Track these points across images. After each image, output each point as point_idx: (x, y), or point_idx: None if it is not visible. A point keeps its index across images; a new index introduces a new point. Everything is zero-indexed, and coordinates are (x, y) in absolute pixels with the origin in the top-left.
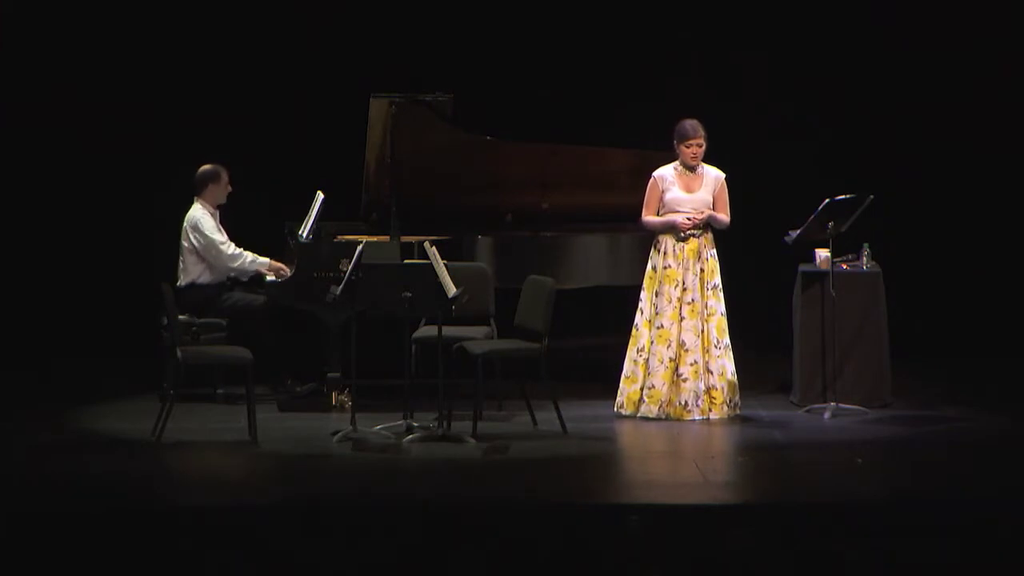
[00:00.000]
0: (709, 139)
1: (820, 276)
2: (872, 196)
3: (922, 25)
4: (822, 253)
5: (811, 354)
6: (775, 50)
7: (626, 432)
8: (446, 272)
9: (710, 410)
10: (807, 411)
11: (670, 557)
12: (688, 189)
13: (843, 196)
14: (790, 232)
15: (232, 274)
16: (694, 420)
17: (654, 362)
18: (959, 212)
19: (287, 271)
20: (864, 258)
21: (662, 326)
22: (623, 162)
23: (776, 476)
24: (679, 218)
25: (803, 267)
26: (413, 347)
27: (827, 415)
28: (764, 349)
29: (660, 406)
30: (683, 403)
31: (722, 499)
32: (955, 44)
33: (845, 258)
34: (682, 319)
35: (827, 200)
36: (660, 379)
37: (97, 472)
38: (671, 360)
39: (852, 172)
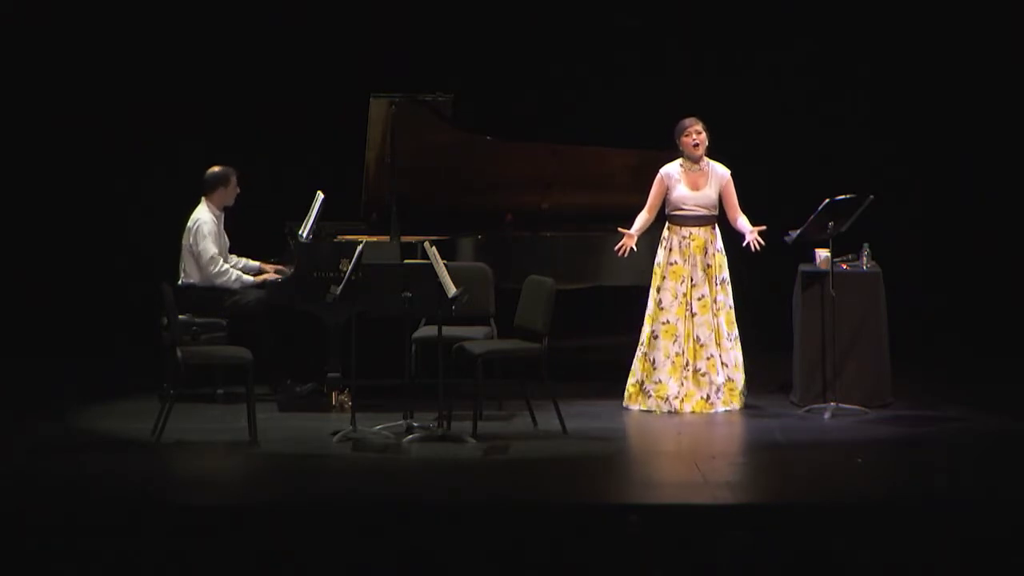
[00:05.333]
0: (713, 139)
1: (820, 276)
2: (872, 196)
3: (923, 25)
4: (822, 253)
5: (811, 354)
6: (775, 49)
7: (627, 432)
8: (446, 272)
9: (731, 401)
10: (807, 411)
11: (670, 557)
12: (694, 186)
13: (843, 196)
14: (790, 232)
15: (217, 284)
16: (717, 412)
17: (660, 357)
18: (959, 212)
19: (276, 276)
20: (864, 258)
21: (668, 321)
22: (623, 162)
23: (776, 476)
24: (750, 238)
25: (803, 267)
26: (413, 347)
27: (827, 415)
28: (764, 349)
29: (667, 400)
30: (705, 397)
31: (722, 499)
32: (956, 44)
33: (845, 258)
34: (694, 315)
35: (827, 200)
36: (667, 374)
37: (97, 472)
38: (678, 355)
39: (852, 172)
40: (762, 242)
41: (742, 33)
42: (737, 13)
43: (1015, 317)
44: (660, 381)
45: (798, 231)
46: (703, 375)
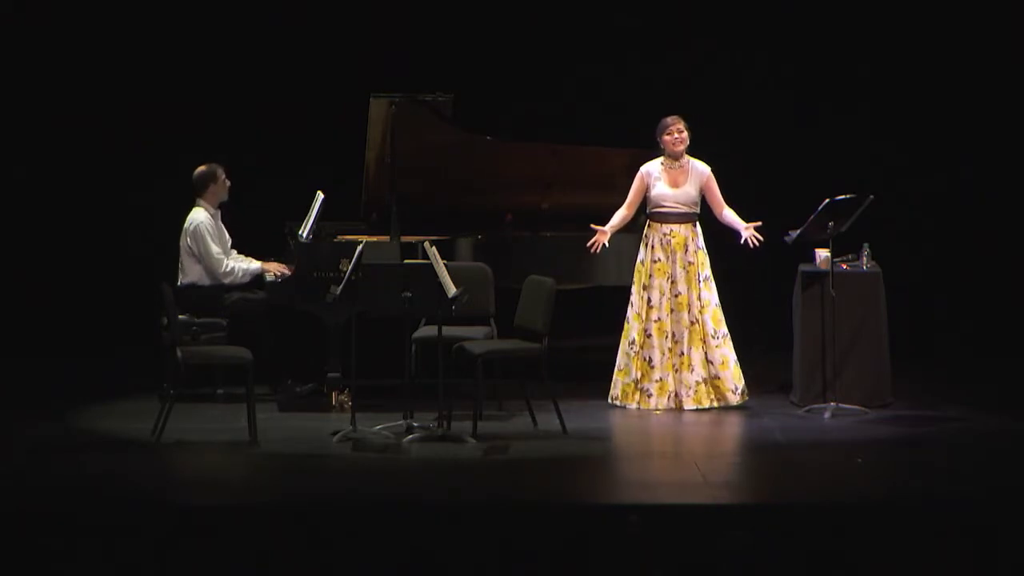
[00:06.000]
0: (713, 139)
1: (820, 276)
2: (872, 196)
3: (924, 24)
4: (822, 253)
5: (811, 354)
6: (777, 49)
7: (626, 432)
8: (446, 272)
9: (717, 400)
10: (807, 411)
11: (670, 557)
12: (674, 184)
13: (843, 196)
14: (790, 232)
15: (226, 283)
16: (687, 410)
17: (656, 355)
18: (959, 212)
19: (285, 269)
20: (864, 258)
21: (659, 319)
22: (622, 162)
23: (776, 476)
24: (747, 235)
25: (803, 267)
26: (413, 347)
27: (827, 415)
28: (764, 349)
29: (668, 397)
30: (675, 394)
31: (722, 499)
32: (956, 44)
33: (845, 258)
34: (672, 311)
35: (827, 200)
36: (665, 371)
37: (97, 472)
38: (669, 351)
39: (852, 172)
40: (760, 238)
41: (742, 33)
42: (737, 13)
43: (1015, 317)
44: (661, 379)
45: (798, 231)
46: (677, 372)
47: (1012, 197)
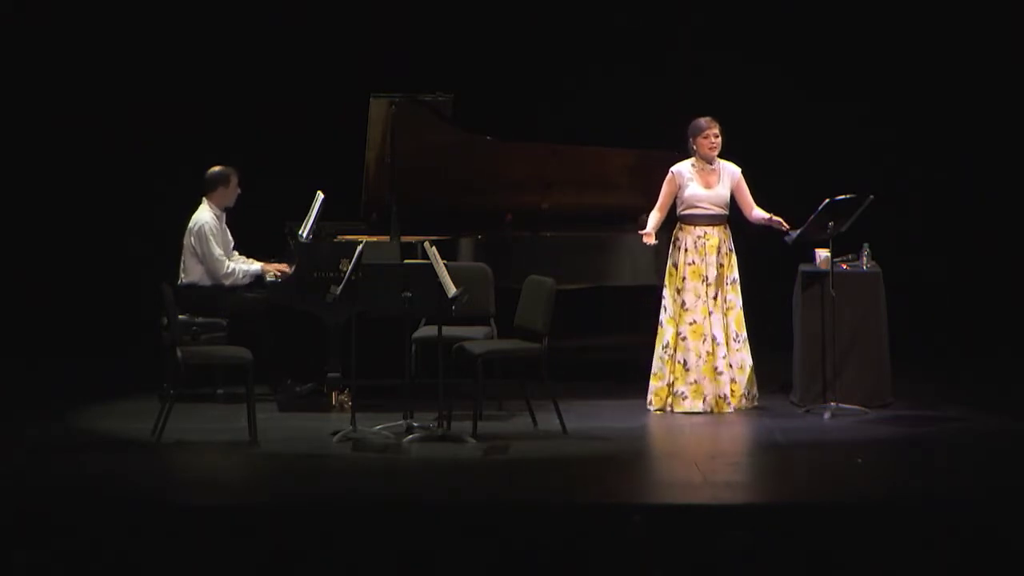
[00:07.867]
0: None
1: (820, 276)
2: (872, 196)
3: (924, 24)
4: (822, 253)
5: (811, 354)
6: (777, 49)
7: (626, 432)
8: (446, 272)
9: (730, 403)
10: (807, 411)
11: (670, 557)
12: (707, 185)
13: (843, 196)
14: (790, 232)
15: (227, 284)
16: (730, 411)
17: (692, 358)
18: (959, 212)
19: (285, 269)
20: (864, 258)
21: (695, 322)
22: (623, 162)
23: (776, 476)
24: (775, 225)
25: (803, 267)
26: (413, 347)
27: (827, 415)
28: (764, 349)
29: (704, 399)
30: (723, 395)
31: (722, 499)
32: (956, 43)
33: (845, 258)
34: (710, 313)
35: (827, 200)
36: (701, 373)
37: (97, 472)
38: (708, 354)
39: (852, 172)
40: (785, 225)
41: (743, 33)
42: (737, 13)
43: (1015, 317)
44: (696, 382)
45: (798, 231)
46: (720, 374)
47: (1012, 197)
